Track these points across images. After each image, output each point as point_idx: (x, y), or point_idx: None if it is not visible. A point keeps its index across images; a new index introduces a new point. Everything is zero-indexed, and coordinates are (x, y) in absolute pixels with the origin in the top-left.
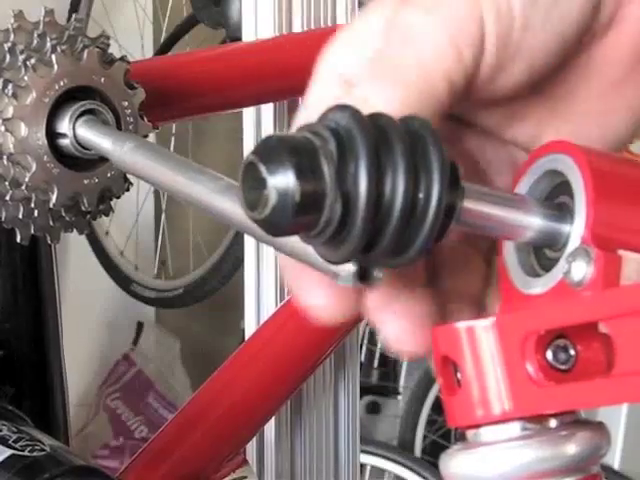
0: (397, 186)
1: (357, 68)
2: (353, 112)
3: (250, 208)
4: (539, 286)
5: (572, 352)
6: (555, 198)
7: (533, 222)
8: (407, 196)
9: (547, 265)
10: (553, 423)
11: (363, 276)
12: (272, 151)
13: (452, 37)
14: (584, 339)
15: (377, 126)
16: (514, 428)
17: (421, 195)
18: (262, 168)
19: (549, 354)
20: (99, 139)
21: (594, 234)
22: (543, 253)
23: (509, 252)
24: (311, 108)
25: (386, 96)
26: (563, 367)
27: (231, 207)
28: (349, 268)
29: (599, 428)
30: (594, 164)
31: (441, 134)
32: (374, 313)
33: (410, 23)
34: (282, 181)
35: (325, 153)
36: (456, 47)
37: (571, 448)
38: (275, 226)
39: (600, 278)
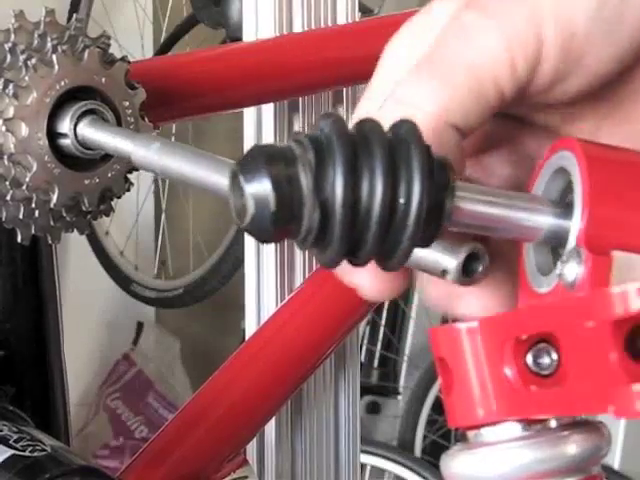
0: (374, 191)
1: (413, 61)
2: (334, 120)
3: (237, 216)
4: (544, 286)
5: (555, 357)
6: (566, 196)
7: (540, 221)
8: (385, 200)
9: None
10: (554, 423)
11: (468, 272)
12: (251, 160)
13: (509, 44)
14: (568, 344)
15: (359, 133)
16: (514, 428)
17: (401, 199)
18: (241, 177)
19: (529, 358)
20: (101, 138)
21: (588, 234)
22: (558, 252)
23: (525, 251)
24: (371, 99)
25: (428, 95)
26: (545, 372)
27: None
28: (454, 265)
29: (599, 428)
30: (594, 162)
31: (498, 135)
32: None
33: (470, 24)
34: (259, 190)
35: (303, 161)
36: (511, 55)
37: (572, 448)
38: (257, 234)
39: (588, 280)
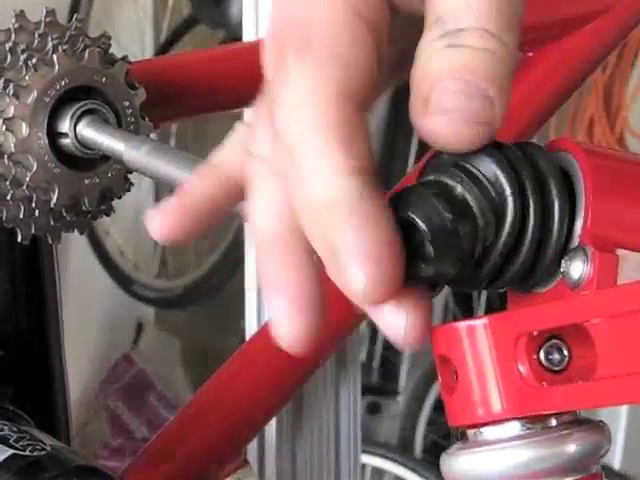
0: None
1: None
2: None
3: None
4: (541, 286)
5: (566, 353)
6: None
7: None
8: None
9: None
10: (554, 422)
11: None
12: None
13: None
14: (578, 340)
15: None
16: (514, 427)
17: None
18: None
19: (542, 355)
20: (97, 138)
21: (592, 234)
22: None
23: None
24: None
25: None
26: (556, 368)
27: None
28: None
29: (600, 427)
30: (596, 163)
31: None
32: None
33: None
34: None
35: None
36: None
37: (571, 447)
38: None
39: (595, 278)
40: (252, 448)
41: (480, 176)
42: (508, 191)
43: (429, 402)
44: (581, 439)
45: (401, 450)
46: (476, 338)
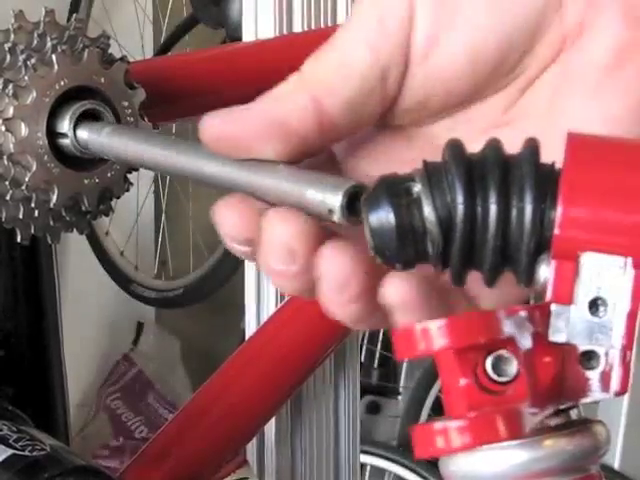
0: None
1: None
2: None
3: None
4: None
5: (515, 364)
6: None
7: None
8: (499, 213)
9: None
10: (553, 422)
11: (354, 211)
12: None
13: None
14: (531, 351)
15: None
16: None
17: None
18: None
19: (488, 364)
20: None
21: (561, 237)
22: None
23: None
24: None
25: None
26: (503, 379)
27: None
28: (338, 204)
29: (598, 427)
30: (575, 162)
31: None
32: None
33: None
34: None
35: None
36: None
37: (570, 447)
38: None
39: (553, 284)
40: (251, 448)
41: (443, 180)
42: (459, 199)
43: (429, 402)
44: (580, 439)
45: (401, 450)
46: (435, 339)
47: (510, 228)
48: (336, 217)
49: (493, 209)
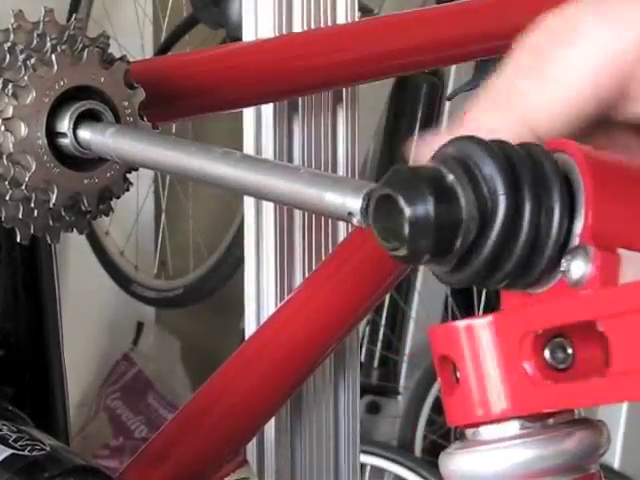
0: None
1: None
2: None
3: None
4: (538, 285)
5: (570, 351)
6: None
7: None
8: (533, 220)
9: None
10: (552, 421)
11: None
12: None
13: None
14: (582, 338)
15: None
16: (513, 426)
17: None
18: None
19: (547, 353)
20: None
21: (593, 233)
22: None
23: None
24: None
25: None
26: (561, 366)
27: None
28: (358, 207)
29: (598, 427)
30: (595, 164)
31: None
32: None
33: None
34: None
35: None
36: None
37: (570, 446)
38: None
39: (598, 277)
40: (251, 448)
41: (477, 172)
42: (501, 190)
43: (429, 402)
44: (580, 438)
45: (401, 450)
46: (479, 337)
47: (541, 221)
48: (356, 220)
49: (529, 200)
